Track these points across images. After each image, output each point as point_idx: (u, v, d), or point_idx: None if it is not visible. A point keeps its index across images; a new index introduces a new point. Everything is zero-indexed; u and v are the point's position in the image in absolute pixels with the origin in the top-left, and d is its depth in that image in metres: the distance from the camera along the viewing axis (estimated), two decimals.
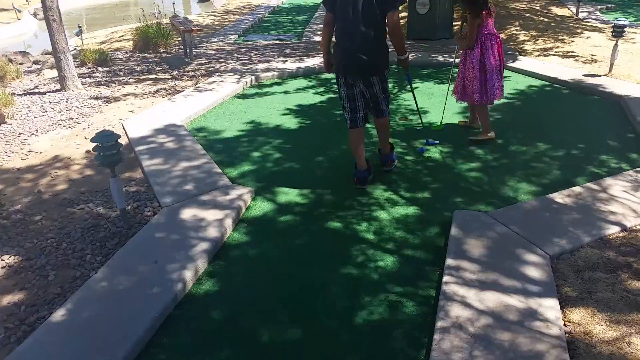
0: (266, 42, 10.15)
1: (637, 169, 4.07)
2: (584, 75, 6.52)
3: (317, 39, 10.19)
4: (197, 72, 7.53)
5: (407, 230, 3.42)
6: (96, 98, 6.40)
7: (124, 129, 5.26)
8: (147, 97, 6.47)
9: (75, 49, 10.54)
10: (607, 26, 9.92)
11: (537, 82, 6.50)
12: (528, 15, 10.58)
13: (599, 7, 12.65)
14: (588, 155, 4.49)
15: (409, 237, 3.33)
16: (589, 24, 10.16)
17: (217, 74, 7.30)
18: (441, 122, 5.30)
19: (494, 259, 2.91)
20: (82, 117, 5.75)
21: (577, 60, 7.27)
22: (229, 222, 3.42)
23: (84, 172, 4.50)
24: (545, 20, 10.24)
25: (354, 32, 3.64)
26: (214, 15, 14.50)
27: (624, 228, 3.21)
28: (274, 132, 5.26)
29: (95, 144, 3.15)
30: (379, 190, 3.99)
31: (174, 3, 15.67)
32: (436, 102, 5.92)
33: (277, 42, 10.20)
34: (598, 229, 3.20)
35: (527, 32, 9.06)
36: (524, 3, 12.76)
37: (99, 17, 18.63)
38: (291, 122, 5.52)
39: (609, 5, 12.78)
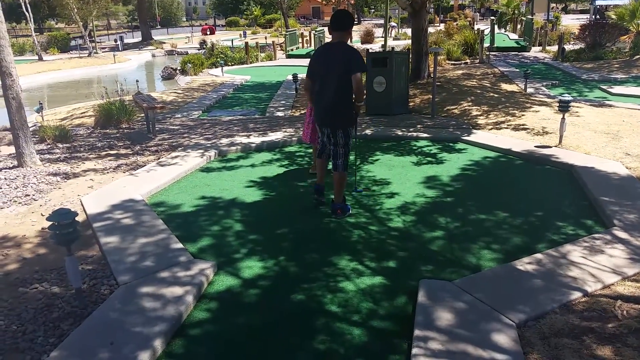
0: (230, 118, 10.31)
1: (592, 235, 4.20)
2: (535, 146, 6.84)
3: (280, 114, 10.44)
4: (159, 147, 7.52)
5: (373, 301, 3.36)
6: (55, 174, 6.27)
7: (82, 206, 5.13)
8: (108, 172, 6.38)
9: (35, 125, 10.44)
10: (554, 100, 10.57)
11: (492, 154, 6.77)
12: (479, 91, 11.20)
13: (544, 83, 13.52)
14: (546, 222, 4.61)
15: (376, 308, 3.27)
16: (537, 98, 10.81)
17: (181, 148, 7.32)
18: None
19: (462, 329, 2.87)
20: (39, 194, 5.59)
21: (528, 133, 7.64)
22: (189, 299, 3.30)
23: (38, 250, 4.31)
24: (496, 96, 10.85)
25: (326, 91, 4.58)
26: (177, 92, 14.74)
27: (585, 293, 3.26)
28: (238, 204, 5.23)
29: (51, 222, 3.04)
30: (344, 260, 3.95)
31: (137, 81, 15.90)
32: (397, 173, 6.05)
33: (241, 117, 10.38)
34: (561, 294, 3.23)
35: (479, 107, 9.54)
36: (475, 80, 13.55)
37: (61, 95, 18.65)
38: (255, 195, 5.51)
39: (554, 82, 13.69)
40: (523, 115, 8.83)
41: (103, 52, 34.52)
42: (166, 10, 77.50)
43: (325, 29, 39.10)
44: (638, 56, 16.98)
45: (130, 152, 7.33)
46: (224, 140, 7.69)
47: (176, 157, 6.76)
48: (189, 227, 4.67)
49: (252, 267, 3.87)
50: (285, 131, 8.26)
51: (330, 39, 4.78)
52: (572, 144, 6.92)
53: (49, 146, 7.84)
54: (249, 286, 3.59)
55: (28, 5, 28.13)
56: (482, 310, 3.07)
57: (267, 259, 4.01)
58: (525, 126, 8.04)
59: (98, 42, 40.09)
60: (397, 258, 4.00)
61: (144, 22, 45.21)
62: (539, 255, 3.81)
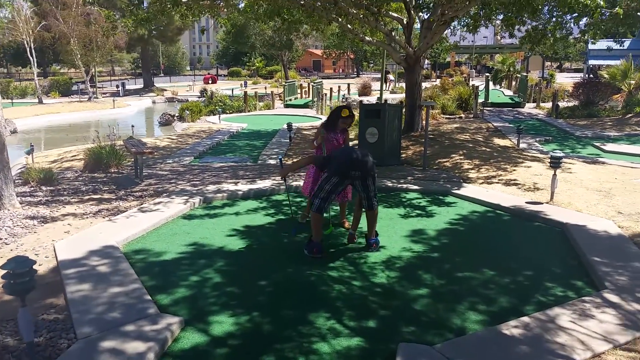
0: (221, 164, 10.23)
1: (582, 297, 4.01)
2: (526, 202, 6.72)
3: (272, 162, 10.38)
4: (144, 193, 7.38)
5: None
6: (32, 218, 6.09)
7: (55, 251, 4.93)
8: (87, 217, 6.21)
9: (24, 167, 10.34)
10: (546, 156, 10.53)
11: (481, 209, 6.64)
12: (472, 145, 11.21)
13: (537, 138, 13.58)
14: (535, 282, 4.42)
15: None
16: (530, 154, 10.80)
17: (165, 194, 7.18)
18: (330, 226, 5.71)
19: None
20: (12, 238, 5.40)
21: (519, 188, 7.54)
22: (150, 357, 3.07)
23: (1, 297, 4.08)
24: (488, 150, 10.84)
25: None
26: (171, 138, 14.76)
27: None
28: (217, 254, 5.04)
29: (5, 270, 2.86)
30: (321, 318, 3.74)
31: (132, 126, 15.98)
32: (384, 226, 5.88)
33: (232, 164, 10.30)
34: None
35: (470, 161, 9.49)
36: (468, 134, 13.61)
37: (56, 138, 18.68)
38: (237, 244, 5.33)
39: (547, 138, 13.75)
40: (515, 170, 8.76)
41: (104, 97, 34.98)
42: (170, 59, 79.36)
43: (324, 80, 39.89)
44: (630, 115, 17.18)
45: (114, 197, 7.18)
46: (211, 187, 7.56)
47: (159, 203, 6.60)
48: (163, 277, 4.46)
49: (223, 323, 3.65)
50: (274, 179, 8.15)
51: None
52: (564, 200, 6.81)
53: (32, 188, 7.69)
54: (216, 345, 3.36)
55: (33, 51, 28.68)
56: None
57: (240, 314, 3.79)
58: (516, 181, 7.95)
59: (100, 88, 40.75)
60: (378, 317, 3.78)
61: (147, 70, 46.15)
62: (526, 319, 3.60)
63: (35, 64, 29.74)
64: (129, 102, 32.04)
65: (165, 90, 41.77)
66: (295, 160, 5.63)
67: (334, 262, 4.82)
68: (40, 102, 28.94)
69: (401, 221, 6.14)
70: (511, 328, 3.45)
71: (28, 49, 28.35)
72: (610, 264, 4.59)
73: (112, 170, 9.43)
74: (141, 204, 6.68)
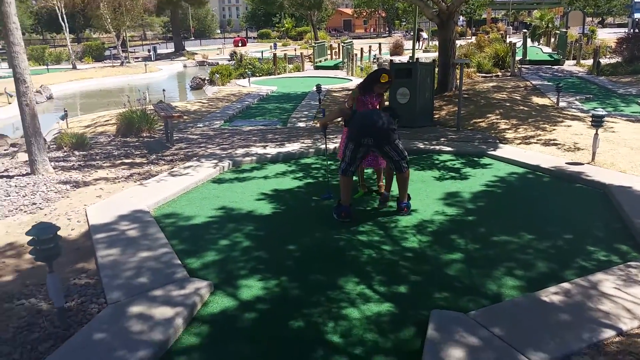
0: (250, 128, 10.15)
1: (628, 262, 3.80)
2: (566, 163, 6.41)
3: (302, 124, 10.23)
4: (175, 157, 7.38)
5: (379, 331, 3.06)
6: (65, 182, 6.16)
7: (86, 216, 4.97)
8: (119, 181, 6.25)
9: (59, 132, 10.50)
10: (587, 115, 10.05)
11: (519, 170, 6.37)
12: (509, 104, 10.76)
13: (578, 97, 12.97)
14: (575, 247, 4.22)
15: (381, 341, 2.97)
16: (570, 112, 10.31)
17: (195, 158, 7.15)
18: (359, 190, 5.62)
19: None
20: (46, 202, 5.47)
21: (559, 149, 7.20)
22: (179, 322, 3.05)
23: (37, 262, 4.14)
24: (526, 109, 10.40)
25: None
26: (202, 102, 14.72)
27: (619, 332, 2.88)
28: (246, 218, 4.99)
29: (31, 237, 2.85)
30: (351, 283, 3.66)
31: (164, 90, 15.99)
32: (416, 189, 5.71)
33: (262, 127, 10.21)
34: (591, 332, 2.86)
35: (507, 121, 9.12)
36: (505, 93, 13.09)
37: (90, 103, 18.92)
38: (265, 208, 5.27)
39: (588, 96, 13.11)
40: (554, 129, 8.37)
41: (136, 61, 35.15)
42: (200, 23, 78.91)
43: (354, 41, 39.00)
44: None
45: (145, 162, 7.20)
46: (240, 151, 7.49)
47: (189, 167, 6.58)
48: (192, 242, 4.45)
49: (251, 287, 3.61)
50: (302, 142, 8.02)
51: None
52: (607, 161, 6.47)
53: (65, 154, 7.79)
54: (245, 309, 3.33)
55: (65, 16, 28.84)
56: (499, 348, 2.73)
57: (269, 278, 3.74)
58: (556, 141, 7.59)
59: (132, 52, 40.91)
60: (409, 283, 3.68)
61: (177, 34, 45.99)
62: (566, 285, 3.43)
63: (68, 30, 29.94)
64: (160, 67, 32.10)
65: (196, 54, 41.62)
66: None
67: (364, 227, 4.70)
68: (74, 67, 29.28)
69: (434, 184, 5.95)
70: (550, 295, 3.29)
71: (60, 15, 28.52)
72: None
73: (144, 135, 9.47)
74: (172, 168, 6.68)
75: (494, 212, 5.05)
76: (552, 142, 7.58)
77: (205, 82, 21.44)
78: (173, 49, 45.14)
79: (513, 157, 6.73)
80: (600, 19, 68.61)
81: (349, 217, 4.85)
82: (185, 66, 35.13)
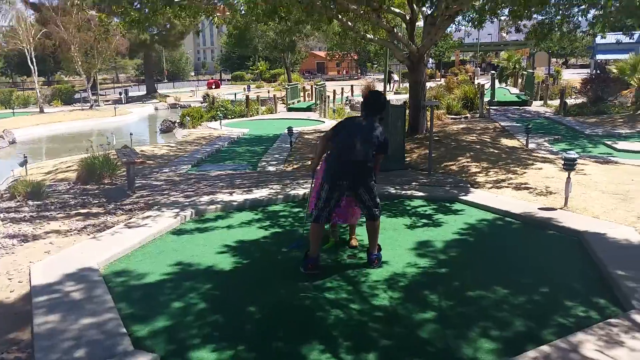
0: (218, 172, 9.86)
1: (607, 320, 3.58)
2: (539, 208, 6.27)
3: (272, 169, 10.01)
4: (135, 206, 7.01)
5: None
6: (12, 237, 5.74)
7: (30, 275, 4.56)
8: (72, 234, 5.85)
9: (16, 179, 10.03)
10: (557, 157, 10.08)
11: (491, 216, 6.19)
12: (479, 147, 10.76)
13: (546, 138, 13.11)
14: (552, 301, 4.00)
15: None
16: (540, 154, 10.34)
17: (156, 207, 6.80)
18: (330, 239, 5.32)
19: None
20: None
21: (531, 193, 7.10)
22: None
23: None
24: (496, 151, 10.39)
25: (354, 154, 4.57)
26: (170, 146, 14.42)
27: None
28: (204, 275, 4.64)
29: None
30: (315, 351, 3.34)
31: (131, 134, 15.63)
32: (387, 237, 5.46)
33: (230, 172, 9.93)
34: None
35: (478, 164, 9.05)
36: (474, 135, 13.16)
37: (55, 148, 18.43)
38: (227, 262, 4.94)
39: (557, 137, 13.27)
40: (525, 172, 8.31)
41: (106, 104, 34.77)
42: (174, 65, 79.22)
43: (328, 83, 39.42)
44: None
45: (102, 212, 6.82)
46: (204, 198, 7.17)
47: (148, 217, 6.22)
48: (142, 304, 4.07)
49: None
50: (271, 188, 7.75)
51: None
52: (579, 206, 6.36)
53: (18, 203, 7.34)
54: None
55: (34, 59, 28.49)
56: None
57: (224, 348, 3.39)
58: (527, 185, 7.50)
59: (103, 95, 40.59)
60: (379, 349, 3.38)
61: (150, 76, 45.97)
62: (546, 348, 3.18)
63: (36, 73, 29.55)
64: (131, 109, 31.79)
65: (168, 96, 41.53)
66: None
67: (332, 281, 4.41)
68: (42, 111, 28.74)
69: (406, 232, 5.72)
70: None
71: (29, 57, 28.16)
72: (636, 278, 4.15)
73: (106, 181, 9.08)
74: (130, 219, 6.31)
75: (467, 263, 4.83)
76: (523, 186, 7.48)
77: (176, 125, 21.19)
78: (145, 92, 44.98)
79: (485, 202, 6.57)
80: (564, 59, 71.40)
81: (317, 269, 4.56)
82: (156, 109, 34.92)
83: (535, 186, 7.43)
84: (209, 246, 5.38)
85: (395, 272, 4.60)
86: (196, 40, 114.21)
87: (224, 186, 8.22)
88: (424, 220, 6.12)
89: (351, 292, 4.23)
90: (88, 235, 5.80)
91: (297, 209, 6.70)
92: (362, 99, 5.04)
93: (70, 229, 6.05)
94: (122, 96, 38.94)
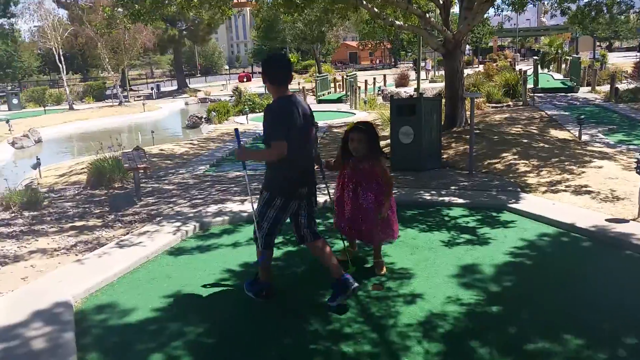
0: (237, 174, 9.07)
1: None
2: (607, 220, 5.18)
3: None
4: (136, 217, 6.25)
5: None
6: None
7: None
8: (58, 254, 5.13)
9: (31, 182, 9.51)
10: (616, 151, 8.87)
11: (550, 230, 5.13)
12: (526, 140, 9.58)
13: (600, 128, 11.81)
14: None
15: None
16: (596, 148, 9.13)
17: (158, 218, 6.03)
18: (350, 265, 4.25)
19: None
20: None
21: (594, 198, 5.98)
22: None
23: None
24: (546, 146, 9.20)
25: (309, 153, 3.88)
26: (192, 143, 13.75)
27: None
28: (198, 313, 3.80)
29: None
30: None
31: (152, 132, 15.06)
32: (422, 260, 4.52)
33: (250, 172, 9.11)
34: None
35: (527, 161, 7.92)
36: (519, 126, 11.96)
37: (81, 146, 18.07)
38: (226, 296, 4.08)
39: (611, 127, 11.94)
40: (583, 172, 7.15)
41: (137, 100, 34.62)
42: (207, 59, 79.38)
43: (360, 73, 38.31)
44: None
45: (99, 224, 6.08)
46: (212, 208, 6.34)
47: (145, 233, 5.43)
48: (116, 354, 3.26)
49: None
50: None
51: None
52: None
53: (13, 215, 6.70)
54: None
55: (62, 57, 28.44)
56: None
57: None
58: (588, 188, 6.37)
59: (135, 90, 40.64)
60: None
61: (180, 70, 45.86)
62: None
63: (64, 71, 29.54)
64: (160, 105, 31.49)
65: (199, 90, 41.20)
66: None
67: (351, 326, 3.49)
68: (71, 108, 28.74)
69: (444, 252, 4.73)
70: None
71: (57, 56, 28.13)
72: None
73: (116, 185, 8.41)
74: (126, 234, 5.55)
75: (525, 299, 3.82)
76: (583, 189, 6.36)
77: (203, 120, 20.59)
78: (176, 87, 44.87)
79: (540, 212, 5.50)
80: (608, 43, 67.92)
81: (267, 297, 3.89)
82: (187, 104, 34.58)
83: (598, 190, 6.29)
84: (209, 271, 4.53)
85: (433, 312, 3.64)
86: (229, 34, 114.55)
87: (237, 191, 7.40)
88: (467, 236, 5.11)
89: (375, 342, 3.30)
90: (76, 255, 5.05)
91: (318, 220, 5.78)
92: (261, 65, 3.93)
93: (59, 247, 5.33)
94: (153, 91, 38.85)
